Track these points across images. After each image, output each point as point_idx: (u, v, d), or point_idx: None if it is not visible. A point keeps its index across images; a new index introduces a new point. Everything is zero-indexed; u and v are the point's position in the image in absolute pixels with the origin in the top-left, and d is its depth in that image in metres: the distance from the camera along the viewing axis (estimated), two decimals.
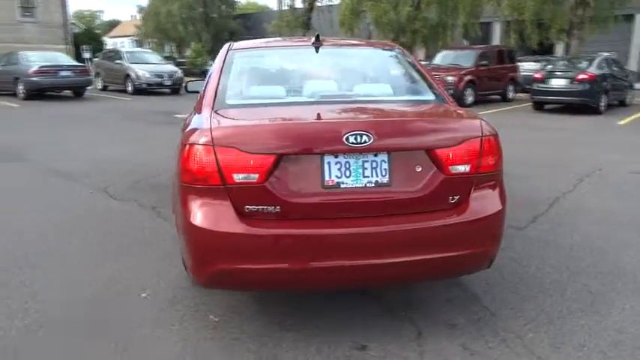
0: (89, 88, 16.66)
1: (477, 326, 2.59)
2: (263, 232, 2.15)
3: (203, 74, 17.39)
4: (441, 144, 2.26)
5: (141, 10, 46.47)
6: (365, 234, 2.21)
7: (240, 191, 2.16)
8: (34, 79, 14.14)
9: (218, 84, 2.77)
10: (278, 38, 4.02)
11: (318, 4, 26.29)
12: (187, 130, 2.39)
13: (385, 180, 2.23)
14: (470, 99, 14.20)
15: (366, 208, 2.25)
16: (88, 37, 36.46)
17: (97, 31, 67.41)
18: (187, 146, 2.22)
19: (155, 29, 42.19)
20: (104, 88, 18.55)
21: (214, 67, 2.97)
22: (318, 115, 2.34)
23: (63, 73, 14.68)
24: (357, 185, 2.21)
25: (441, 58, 16.00)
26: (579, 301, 2.86)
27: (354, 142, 2.13)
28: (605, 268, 3.29)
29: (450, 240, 2.29)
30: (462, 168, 2.29)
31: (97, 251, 3.56)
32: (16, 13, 28.54)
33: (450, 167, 2.27)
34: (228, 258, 2.17)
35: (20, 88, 14.47)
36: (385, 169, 2.23)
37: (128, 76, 16.79)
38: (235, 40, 3.48)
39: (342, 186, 2.20)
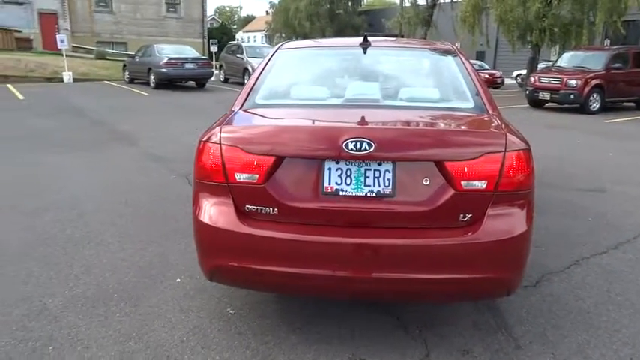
0: (212, 79, 17.99)
1: (493, 357, 2.36)
2: (258, 233, 2.16)
3: None
4: (453, 157, 2.08)
5: (272, 6, 48.86)
6: (361, 245, 2.12)
7: (241, 190, 2.20)
8: (164, 70, 15.65)
9: (255, 83, 2.84)
10: (333, 39, 3.96)
11: (442, 1, 25.48)
12: (208, 127, 2.48)
13: (388, 191, 2.12)
14: (596, 105, 12.78)
15: (365, 219, 2.16)
16: (221, 32, 39.31)
17: (234, 27, 72.36)
18: (201, 143, 2.31)
19: (284, 25, 44.09)
20: (226, 80, 19.90)
21: (259, 66, 3.05)
22: (326, 119, 2.29)
23: (188, 65, 16.05)
24: (357, 194, 2.13)
25: (568, 59, 14.59)
26: (634, 346, 2.47)
27: (354, 149, 2.05)
28: None
29: (457, 261, 2.10)
30: (478, 184, 2.09)
31: (155, 233, 3.87)
32: (162, 9, 31.83)
33: (463, 183, 2.08)
34: (224, 254, 2.23)
35: (152, 77, 16.13)
36: (389, 180, 2.12)
37: (246, 69, 17.81)
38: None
39: (341, 193, 2.14)
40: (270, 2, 51.36)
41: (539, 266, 3.34)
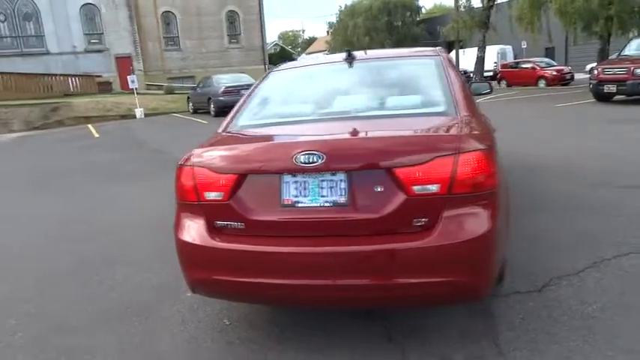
0: None
1: None
2: (227, 247, 2.31)
3: None
4: (402, 163, 2.11)
5: (331, 25, 49.84)
6: (320, 254, 2.19)
7: (210, 208, 2.36)
8: (221, 98, 16.47)
9: (241, 105, 3.03)
10: (322, 57, 3.99)
11: (498, 1, 24.71)
12: None
13: (343, 200, 2.18)
14: None
15: (322, 228, 2.23)
16: (280, 57, 40.55)
17: (298, 49, 74.29)
18: (178, 166, 2.51)
19: (343, 42, 44.78)
20: None
21: (250, 89, 3.24)
22: (287, 135, 2.40)
23: (244, 92, 16.64)
24: (314, 205, 2.21)
25: (636, 46, 13.53)
26: (631, 353, 2.30)
27: (304, 162, 2.15)
28: None
29: (413, 266, 2.11)
30: (430, 188, 2.10)
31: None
32: (224, 41, 33.49)
33: (414, 187, 2.10)
34: (200, 268, 2.40)
35: (212, 106, 17.01)
36: (343, 189, 2.18)
37: None
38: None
39: (298, 205, 2.23)
40: (328, 22, 52.52)
41: (549, 269, 3.19)
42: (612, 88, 12.46)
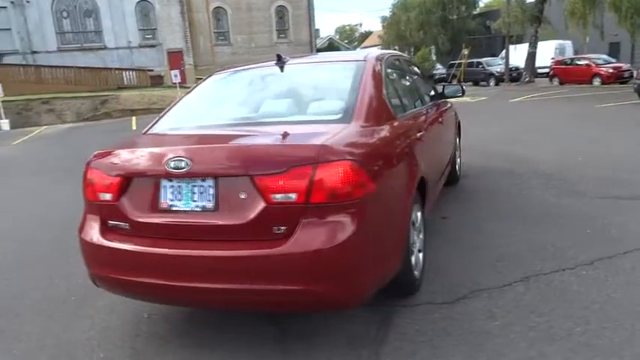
0: None
1: None
2: (113, 246, 2.44)
3: (430, 79, 17.24)
4: (263, 171, 2.15)
5: (384, 20, 49.23)
6: (188, 257, 2.27)
7: (103, 208, 2.51)
8: None
9: (170, 108, 3.16)
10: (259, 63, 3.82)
11: None
12: None
13: (210, 205, 2.26)
14: None
15: (192, 232, 2.31)
16: (327, 51, 40.61)
17: (354, 43, 74.04)
18: (84, 166, 2.67)
19: (396, 37, 44.22)
20: None
21: (188, 91, 3.37)
22: (170, 141, 2.50)
23: None
24: (186, 209, 2.30)
25: None
26: None
27: (173, 167, 2.24)
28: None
29: (269, 273, 2.15)
30: (287, 197, 2.13)
31: None
32: (273, 36, 33.99)
33: (273, 195, 2.14)
34: (95, 264, 2.56)
35: None
36: (211, 195, 2.26)
37: None
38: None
39: (173, 209, 2.33)
40: (381, 17, 51.96)
41: (477, 282, 3.11)
42: None
